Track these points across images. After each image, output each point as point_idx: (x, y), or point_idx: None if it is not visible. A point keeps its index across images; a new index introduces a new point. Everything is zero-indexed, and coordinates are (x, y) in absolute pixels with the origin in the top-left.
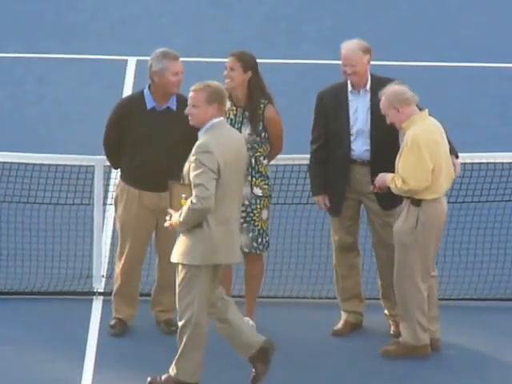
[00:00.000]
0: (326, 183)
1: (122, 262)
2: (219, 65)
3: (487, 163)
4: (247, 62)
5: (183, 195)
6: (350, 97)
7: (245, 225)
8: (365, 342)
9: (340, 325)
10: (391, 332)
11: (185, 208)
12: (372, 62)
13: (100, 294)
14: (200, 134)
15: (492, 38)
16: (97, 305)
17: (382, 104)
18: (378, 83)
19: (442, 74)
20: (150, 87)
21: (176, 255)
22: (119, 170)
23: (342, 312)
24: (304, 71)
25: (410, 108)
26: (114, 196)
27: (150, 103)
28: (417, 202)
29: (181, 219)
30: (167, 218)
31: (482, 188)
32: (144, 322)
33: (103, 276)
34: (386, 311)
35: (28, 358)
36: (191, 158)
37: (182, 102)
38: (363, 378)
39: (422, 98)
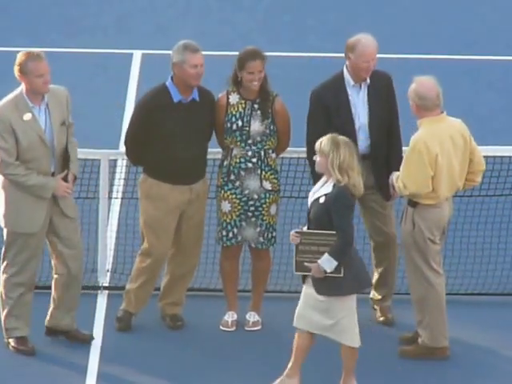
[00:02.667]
0: None
1: (151, 258)
2: (223, 58)
3: (494, 157)
4: (265, 59)
5: None
6: (350, 91)
7: (252, 219)
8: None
9: None
10: (377, 319)
11: None
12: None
13: (105, 288)
14: None
15: (497, 30)
16: (102, 299)
17: (409, 91)
18: (376, 76)
19: (446, 66)
20: (172, 79)
21: None
22: (145, 166)
23: None
24: (308, 64)
25: (427, 112)
26: (140, 193)
27: (176, 96)
28: (412, 204)
29: None
30: None
31: (490, 182)
32: (149, 315)
33: (108, 270)
34: (372, 296)
35: (22, 360)
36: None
37: (203, 92)
38: (370, 371)
39: None
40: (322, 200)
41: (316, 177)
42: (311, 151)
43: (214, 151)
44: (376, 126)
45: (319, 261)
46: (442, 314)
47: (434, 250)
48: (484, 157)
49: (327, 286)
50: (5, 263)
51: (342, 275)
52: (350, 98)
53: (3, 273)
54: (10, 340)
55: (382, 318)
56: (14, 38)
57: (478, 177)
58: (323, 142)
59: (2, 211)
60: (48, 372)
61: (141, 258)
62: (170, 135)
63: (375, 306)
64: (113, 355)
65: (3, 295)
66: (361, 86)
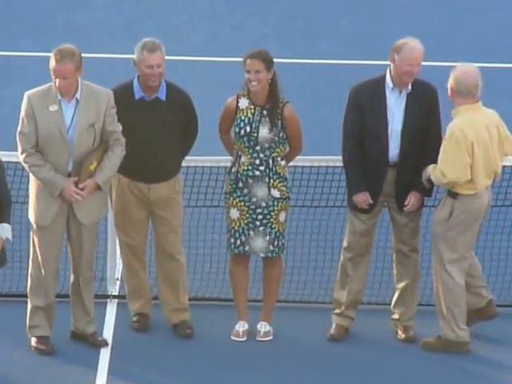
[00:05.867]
0: (363, 174)
1: (124, 255)
2: (235, 63)
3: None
4: (270, 61)
5: (93, 161)
6: (388, 94)
7: (261, 228)
8: (372, 347)
9: (335, 330)
10: (399, 337)
11: None
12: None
13: (114, 297)
14: None
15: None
16: (111, 308)
17: (450, 79)
18: (420, 86)
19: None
20: (138, 77)
21: None
22: None
23: (339, 317)
24: (322, 70)
25: (463, 99)
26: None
27: (138, 93)
28: (453, 195)
29: None
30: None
31: (506, 192)
32: (158, 324)
33: (118, 279)
34: (394, 316)
35: (41, 362)
36: None
37: (172, 91)
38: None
39: (444, 97)
40: None
41: (354, 175)
42: (346, 149)
43: (218, 159)
44: (409, 134)
45: None
46: (462, 308)
47: (466, 241)
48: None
49: None
50: (30, 256)
51: None
52: (387, 101)
53: (31, 267)
54: (32, 338)
55: (403, 336)
56: (21, 42)
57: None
58: None
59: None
60: (57, 382)
61: (121, 254)
62: (128, 131)
63: (396, 325)
64: (122, 365)
65: (29, 291)
66: (401, 92)
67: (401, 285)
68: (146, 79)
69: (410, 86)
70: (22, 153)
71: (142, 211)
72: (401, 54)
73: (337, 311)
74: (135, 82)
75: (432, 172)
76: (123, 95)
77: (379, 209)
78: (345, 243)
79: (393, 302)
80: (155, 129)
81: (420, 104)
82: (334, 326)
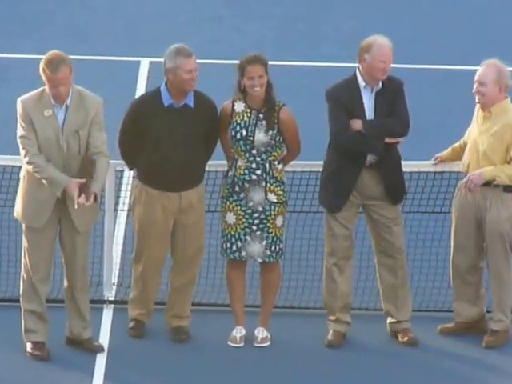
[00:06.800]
0: (336, 173)
1: (142, 266)
2: (235, 66)
3: None
4: (267, 64)
5: None
6: (363, 94)
7: (258, 232)
8: (365, 352)
9: (332, 336)
10: (400, 340)
11: None
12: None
13: (111, 302)
14: None
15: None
16: (107, 313)
17: (489, 74)
18: (388, 82)
19: (466, 76)
20: (166, 84)
21: None
22: (136, 170)
23: (335, 323)
24: (323, 73)
25: (505, 95)
26: (132, 198)
27: (166, 101)
28: (510, 189)
29: None
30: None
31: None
32: (155, 329)
33: (114, 284)
34: (389, 319)
35: (37, 368)
36: None
37: (200, 98)
38: None
39: (451, 101)
40: None
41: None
42: (338, 152)
43: (216, 163)
44: None
45: None
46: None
47: None
48: None
49: None
50: (22, 260)
51: None
52: (363, 100)
53: (23, 271)
54: (27, 344)
55: (405, 338)
56: (22, 44)
57: None
58: None
59: (17, 201)
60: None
61: (134, 266)
62: (158, 139)
63: (394, 329)
64: (118, 371)
65: (22, 294)
66: (372, 90)
67: (387, 285)
68: (185, 85)
69: (380, 84)
70: (25, 155)
71: (169, 222)
72: (371, 51)
73: (332, 318)
74: (163, 89)
75: (492, 173)
76: (152, 103)
77: (355, 210)
78: (327, 248)
79: (385, 304)
80: (185, 135)
81: (387, 99)
82: (330, 332)
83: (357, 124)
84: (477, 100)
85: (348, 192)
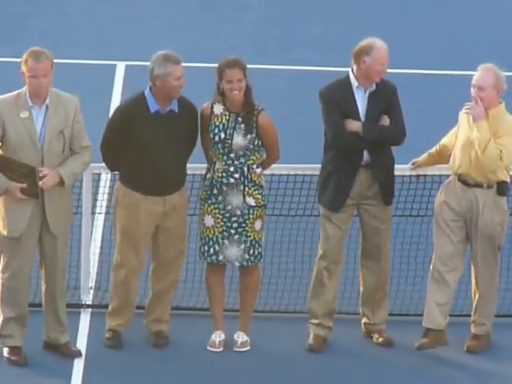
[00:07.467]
0: (335, 173)
1: (124, 271)
2: (210, 70)
3: None
4: (246, 68)
5: None
6: (355, 93)
7: (236, 236)
8: (348, 356)
9: (313, 340)
10: (375, 341)
11: None
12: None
13: (88, 306)
14: None
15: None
16: (85, 317)
17: (488, 78)
18: (381, 84)
19: (433, 81)
20: (150, 89)
21: None
22: (120, 174)
23: (317, 327)
24: (297, 77)
25: (499, 99)
26: (113, 201)
27: (153, 106)
28: (503, 191)
29: None
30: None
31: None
32: (134, 334)
33: (91, 288)
34: (365, 320)
35: (14, 373)
36: None
37: (183, 103)
38: None
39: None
40: None
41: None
42: (337, 151)
43: (195, 166)
44: None
45: None
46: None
47: None
48: None
49: None
50: (0, 268)
51: None
52: (356, 100)
53: (1, 278)
54: (4, 349)
55: (380, 339)
56: None
57: None
58: None
59: None
60: None
61: (115, 271)
62: (145, 145)
63: (370, 329)
64: (96, 375)
65: (1, 301)
66: (365, 91)
67: (369, 288)
68: (173, 91)
69: (374, 85)
70: None
71: (151, 227)
72: (372, 54)
73: (314, 321)
74: (147, 94)
75: (486, 143)
76: (137, 109)
77: (351, 212)
78: (320, 251)
79: (362, 306)
80: (171, 141)
81: (381, 101)
82: (311, 336)
83: (355, 125)
84: (469, 105)
85: (347, 191)
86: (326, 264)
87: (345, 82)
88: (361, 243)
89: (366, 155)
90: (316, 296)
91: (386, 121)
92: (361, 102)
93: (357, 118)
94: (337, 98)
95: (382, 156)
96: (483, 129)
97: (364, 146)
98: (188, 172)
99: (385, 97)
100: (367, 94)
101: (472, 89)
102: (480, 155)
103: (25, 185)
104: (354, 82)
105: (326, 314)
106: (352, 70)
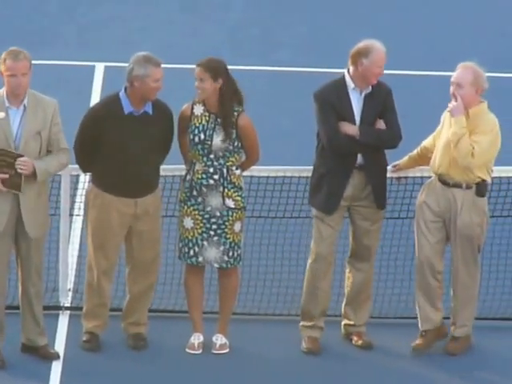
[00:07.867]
0: (328, 175)
1: (95, 272)
2: (189, 70)
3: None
4: (216, 70)
5: None
6: (351, 95)
7: (215, 238)
8: (334, 358)
9: (310, 343)
10: (354, 343)
11: None
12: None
13: (66, 308)
14: None
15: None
16: (63, 320)
17: (466, 76)
18: (376, 86)
19: (413, 82)
20: (125, 90)
21: None
22: (91, 175)
23: (310, 329)
24: (277, 79)
25: (480, 98)
26: (85, 201)
27: (127, 108)
28: (482, 192)
29: None
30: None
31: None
32: (112, 336)
33: (70, 290)
34: (345, 321)
35: None
36: None
37: (158, 105)
38: None
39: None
40: None
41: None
42: (332, 153)
43: (174, 168)
44: None
45: None
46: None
47: None
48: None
49: None
50: None
51: None
52: (352, 102)
53: None
54: None
55: (360, 342)
56: None
57: None
58: None
59: None
60: None
61: (87, 273)
62: (117, 146)
63: (349, 331)
64: (74, 377)
65: None
66: (361, 93)
67: (355, 288)
68: (150, 93)
69: (370, 87)
70: None
71: (123, 229)
72: (371, 56)
73: (307, 323)
74: (122, 95)
75: (462, 140)
76: (111, 110)
77: (343, 213)
78: (313, 254)
79: (345, 306)
80: (144, 143)
81: (376, 103)
82: (306, 338)
83: (351, 129)
84: (451, 103)
85: (341, 194)
86: (319, 266)
87: (340, 84)
88: (350, 244)
89: (359, 157)
90: (310, 297)
91: (381, 124)
92: (356, 103)
93: (352, 119)
94: (332, 100)
95: (375, 158)
96: (459, 123)
97: (359, 149)
98: (167, 173)
99: (380, 99)
100: (363, 95)
101: (451, 86)
102: (453, 150)
103: (6, 176)
104: (350, 84)
105: (321, 314)
106: (348, 71)
